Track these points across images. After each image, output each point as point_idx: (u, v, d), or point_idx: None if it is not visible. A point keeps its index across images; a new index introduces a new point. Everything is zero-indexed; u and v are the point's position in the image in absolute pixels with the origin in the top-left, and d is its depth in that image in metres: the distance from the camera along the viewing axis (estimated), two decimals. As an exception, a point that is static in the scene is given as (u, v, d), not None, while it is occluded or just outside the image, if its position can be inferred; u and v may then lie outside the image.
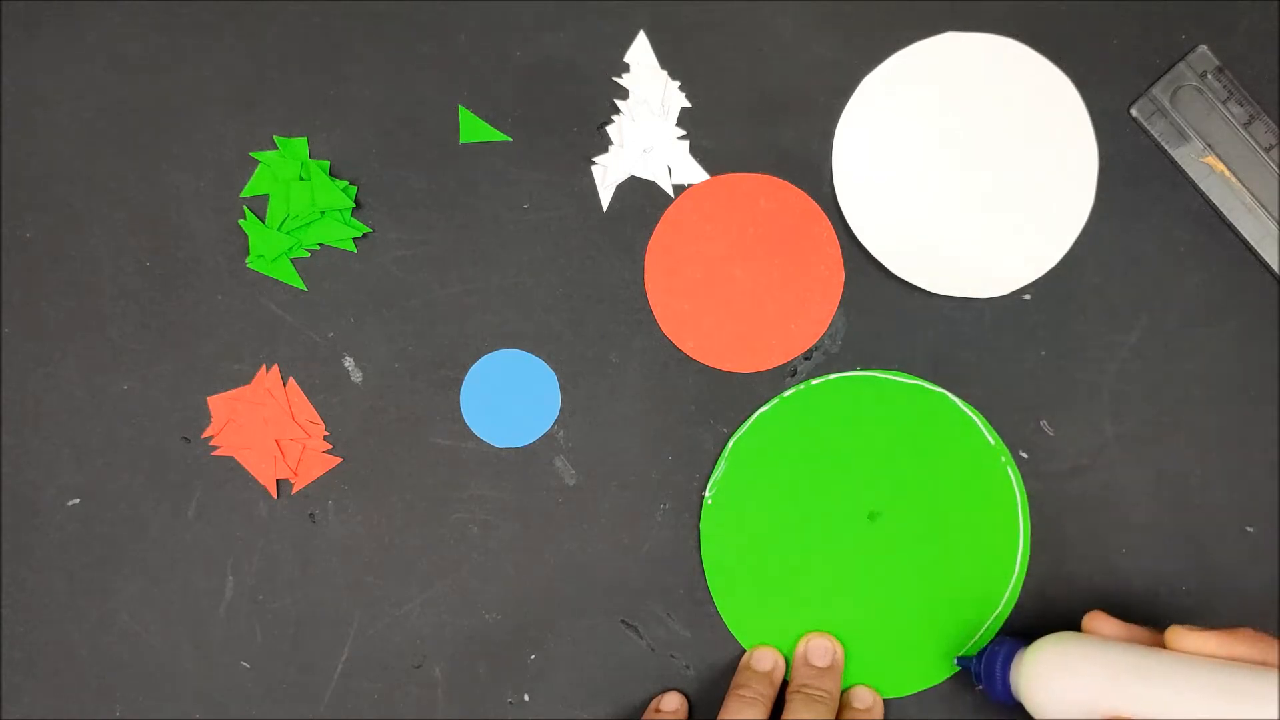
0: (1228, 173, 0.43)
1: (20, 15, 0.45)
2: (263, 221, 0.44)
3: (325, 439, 0.44)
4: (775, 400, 0.44)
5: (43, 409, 0.44)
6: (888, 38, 0.44)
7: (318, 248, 0.45)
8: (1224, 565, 0.43)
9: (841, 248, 0.44)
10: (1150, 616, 0.43)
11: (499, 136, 0.43)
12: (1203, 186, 0.44)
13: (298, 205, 0.44)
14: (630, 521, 0.44)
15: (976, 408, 0.43)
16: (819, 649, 0.43)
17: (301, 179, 0.44)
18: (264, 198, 0.45)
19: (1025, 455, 0.44)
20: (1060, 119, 0.44)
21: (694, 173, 0.44)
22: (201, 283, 0.45)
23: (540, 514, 0.44)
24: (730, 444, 0.44)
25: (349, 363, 0.44)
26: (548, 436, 0.44)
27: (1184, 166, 0.44)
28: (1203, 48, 0.44)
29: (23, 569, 0.44)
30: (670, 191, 0.44)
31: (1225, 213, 0.43)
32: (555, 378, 0.44)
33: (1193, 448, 0.43)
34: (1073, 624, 0.43)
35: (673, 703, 0.43)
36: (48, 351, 0.45)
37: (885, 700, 0.43)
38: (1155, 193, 0.44)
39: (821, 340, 0.44)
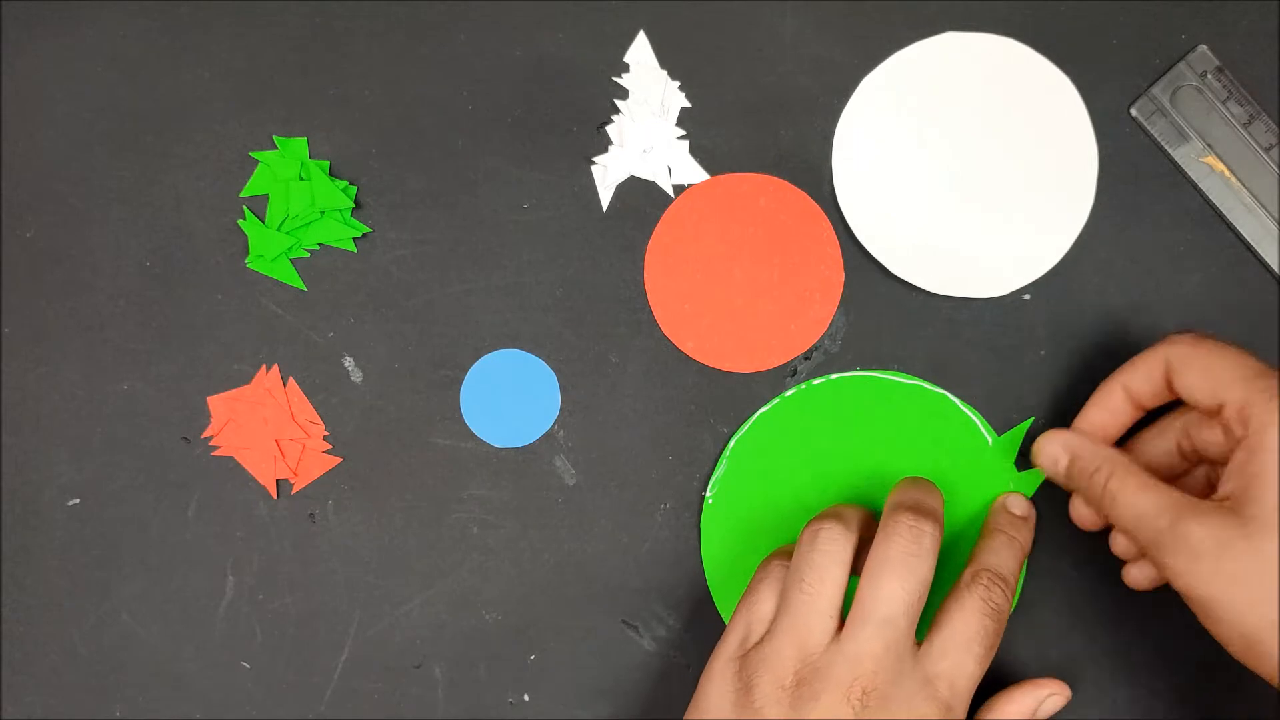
0: (1228, 173, 0.43)
1: (20, 15, 0.45)
2: (263, 221, 0.45)
3: (325, 439, 0.44)
4: (775, 400, 0.44)
5: (43, 409, 0.44)
6: (888, 38, 0.44)
7: (318, 248, 0.45)
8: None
9: (841, 248, 0.44)
10: (1150, 615, 0.43)
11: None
12: (1203, 186, 0.44)
13: (298, 205, 0.44)
14: (630, 521, 0.44)
15: (976, 408, 0.43)
16: (1019, 500, 0.42)
17: (301, 179, 0.44)
18: (264, 198, 0.45)
19: (1026, 456, 0.44)
20: (1060, 119, 0.44)
21: (694, 173, 0.44)
22: (201, 283, 0.45)
23: (540, 514, 0.44)
24: (731, 444, 0.44)
25: (349, 363, 0.44)
26: (548, 436, 0.44)
27: (1184, 166, 0.44)
28: (1203, 48, 0.44)
29: (23, 569, 0.44)
30: (670, 191, 0.44)
31: (1225, 213, 0.43)
32: (555, 378, 0.44)
33: (1193, 448, 0.43)
34: (1073, 623, 0.43)
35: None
36: (48, 351, 0.45)
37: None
38: (1155, 193, 0.44)
39: (821, 340, 0.44)
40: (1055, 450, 0.39)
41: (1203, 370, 0.36)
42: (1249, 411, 0.35)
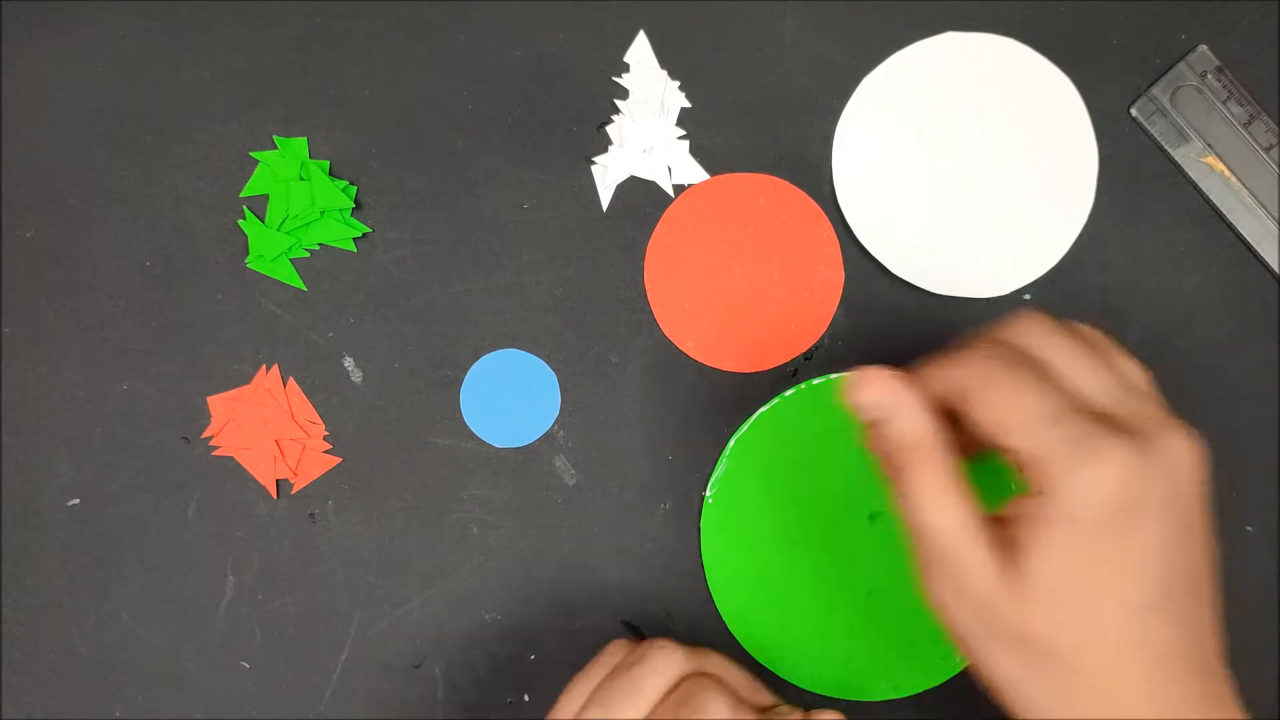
0: (1228, 173, 0.43)
1: (20, 15, 0.45)
2: (263, 221, 0.45)
3: (325, 439, 0.44)
4: (775, 400, 0.44)
5: (43, 409, 0.44)
6: (888, 38, 0.44)
7: (317, 248, 0.45)
8: (1224, 565, 0.43)
9: (841, 248, 0.44)
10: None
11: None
12: (1203, 186, 0.44)
13: (298, 205, 0.44)
14: (630, 521, 0.44)
15: (976, 408, 0.43)
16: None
17: (301, 179, 0.44)
18: (264, 198, 0.45)
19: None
20: (1060, 119, 0.44)
21: (694, 173, 0.44)
22: (201, 283, 0.45)
23: (540, 514, 0.44)
24: (731, 443, 0.44)
25: (349, 363, 0.44)
26: (548, 436, 0.44)
27: (1184, 166, 0.44)
28: (1203, 48, 0.44)
29: (23, 569, 0.44)
30: (670, 191, 0.44)
31: (1225, 213, 0.44)
32: (555, 378, 0.44)
33: (1193, 448, 0.43)
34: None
35: None
36: (48, 351, 0.45)
37: (884, 701, 0.43)
38: (1155, 193, 0.44)
39: (821, 340, 0.44)
40: (872, 399, 0.32)
41: (994, 409, 0.31)
42: (1041, 467, 0.30)
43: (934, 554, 0.31)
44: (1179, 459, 0.31)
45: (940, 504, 0.31)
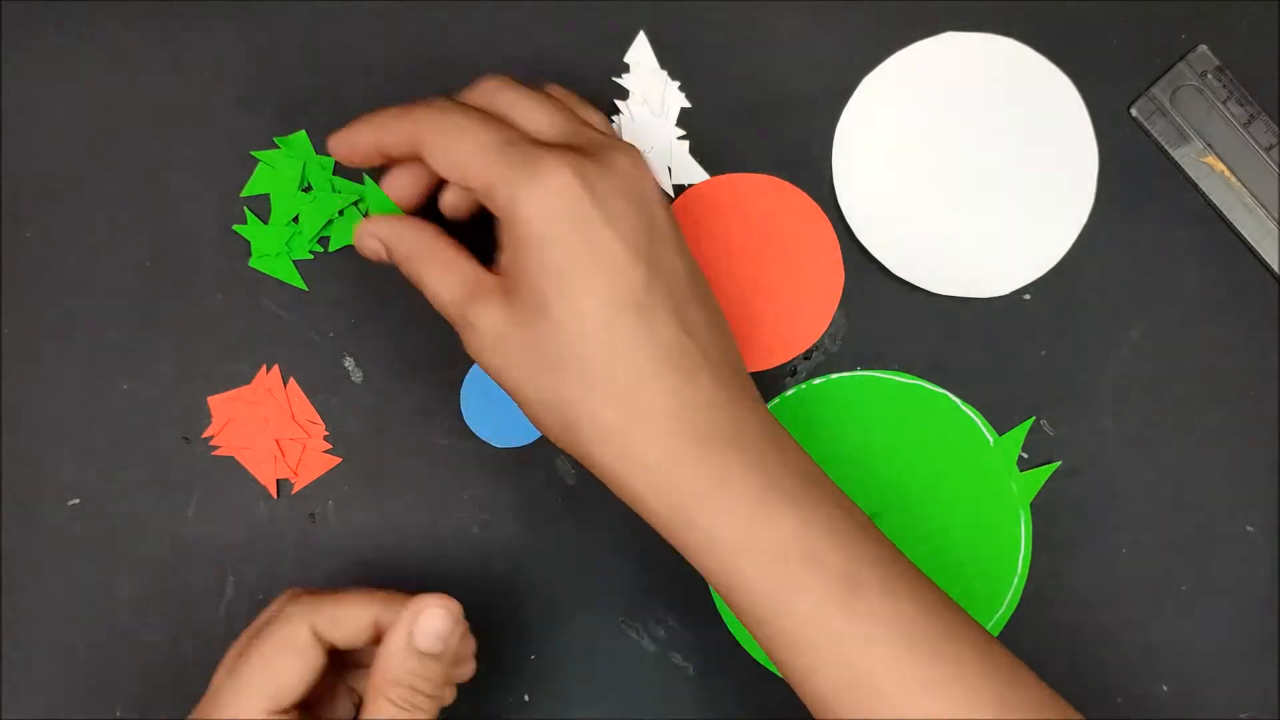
0: (1228, 173, 0.43)
1: (20, 15, 0.45)
2: (263, 221, 0.44)
3: (325, 439, 0.44)
4: (775, 400, 0.44)
5: (43, 409, 0.44)
6: (888, 38, 0.44)
7: (319, 248, 0.45)
8: (1224, 565, 0.43)
9: (841, 248, 0.44)
10: (1150, 616, 0.43)
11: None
12: (1203, 186, 0.44)
13: (314, 214, 0.44)
14: (630, 521, 0.44)
15: (976, 408, 0.43)
16: (429, 631, 0.36)
17: (309, 188, 0.44)
18: (264, 197, 0.45)
19: (1025, 455, 0.44)
20: (1060, 119, 0.44)
21: (694, 173, 0.44)
22: (201, 283, 0.45)
23: (540, 514, 0.44)
24: (730, 444, 0.44)
25: (349, 363, 0.44)
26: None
27: (1184, 166, 0.44)
28: (1203, 48, 0.44)
29: (23, 569, 0.44)
30: (670, 191, 0.44)
31: (1225, 213, 0.44)
32: (555, 378, 0.44)
33: (1193, 448, 0.43)
34: (1074, 622, 0.43)
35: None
36: (48, 351, 0.45)
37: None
38: (1155, 193, 0.44)
39: (821, 340, 0.44)
40: (373, 244, 0.38)
41: (444, 151, 0.35)
42: (494, 194, 0.34)
43: (458, 324, 0.36)
44: (622, 168, 0.34)
45: (443, 285, 0.36)
